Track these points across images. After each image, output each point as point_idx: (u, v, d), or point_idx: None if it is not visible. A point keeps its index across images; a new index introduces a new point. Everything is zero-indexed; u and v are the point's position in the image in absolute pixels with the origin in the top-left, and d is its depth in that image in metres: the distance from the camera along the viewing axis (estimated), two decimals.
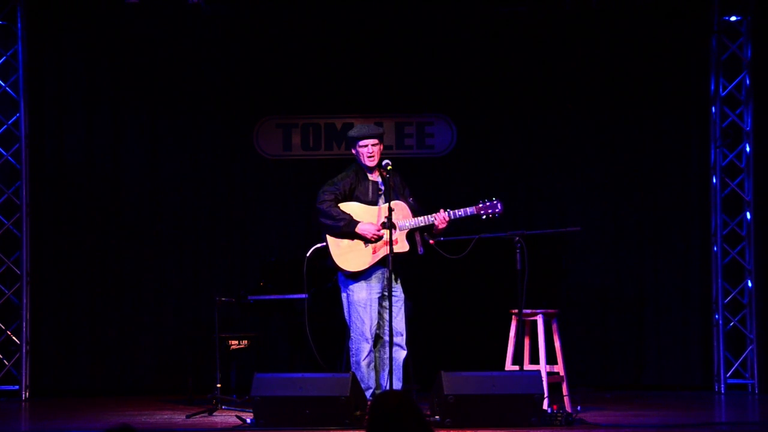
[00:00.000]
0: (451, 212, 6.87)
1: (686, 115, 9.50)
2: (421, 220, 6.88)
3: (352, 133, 7.04)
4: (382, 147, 7.00)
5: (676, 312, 9.44)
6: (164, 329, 9.41)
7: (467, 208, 6.91)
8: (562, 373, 7.54)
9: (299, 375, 6.66)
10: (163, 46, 9.51)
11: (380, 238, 6.84)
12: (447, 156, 9.59)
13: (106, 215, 9.44)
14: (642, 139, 9.51)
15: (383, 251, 6.81)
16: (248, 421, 6.66)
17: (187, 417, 7.32)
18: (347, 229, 6.84)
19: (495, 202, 6.91)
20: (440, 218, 6.85)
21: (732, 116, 9.26)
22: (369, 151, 6.93)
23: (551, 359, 7.52)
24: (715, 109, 9.27)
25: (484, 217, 6.91)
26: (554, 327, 7.59)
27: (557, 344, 7.59)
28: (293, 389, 6.48)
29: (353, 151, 7.02)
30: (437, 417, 6.43)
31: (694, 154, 9.47)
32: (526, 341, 7.61)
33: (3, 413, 8.22)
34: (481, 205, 6.92)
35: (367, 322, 6.87)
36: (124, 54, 9.48)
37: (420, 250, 6.97)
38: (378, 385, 6.95)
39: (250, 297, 8.17)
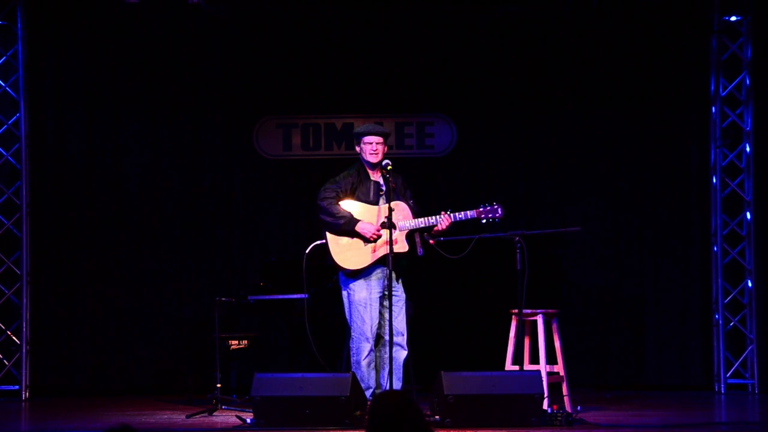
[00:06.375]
0: (452, 215, 6.88)
1: (686, 115, 9.50)
2: (422, 222, 6.89)
3: (358, 129, 7.09)
4: (386, 148, 7.02)
5: (676, 312, 9.44)
6: (164, 329, 9.41)
7: (468, 212, 6.93)
8: (562, 373, 7.54)
9: (299, 375, 6.66)
10: (163, 46, 9.51)
11: (379, 237, 6.85)
12: (447, 156, 9.59)
13: (106, 215, 9.44)
14: (642, 139, 9.51)
15: (383, 250, 6.81)
16: (248, 421, 6.66)
17: (187, 417, 7.33)
18: (347, 227, 6.85)
19: (496, 206, 6.93)
20: (443, 221, 6.85)
21: (732, 116, 9.26)
22: (373, 148, 6.95)
23: (551, 359, 7.52)
24: (715, 109, 9.27)
25: (484, 221, 6.94)
26: (554, 327, 7.59)
27: (557, 344, 7.59)
28: (293, 389, 6.48)
29: (357, 148, 7.05)
30: (437, 417, 6.44)
31: (694, 154, 9.46)
32: (526, 341, 7.61)
33: (3, 413, 8.22)
34: (481, 209, 6.94)
35: (368, 321, 6.87)
36: (124, 54, 9.48)
37: (419, 251, 6.97)
38: (378, 384, 6.95)
39: (250, 297, 8.17)
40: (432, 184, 9.45)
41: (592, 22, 9.38)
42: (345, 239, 6.89)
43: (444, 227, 6.88)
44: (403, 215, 6.91)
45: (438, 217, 6.87)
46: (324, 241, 6.96)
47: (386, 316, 6.87)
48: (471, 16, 9.40)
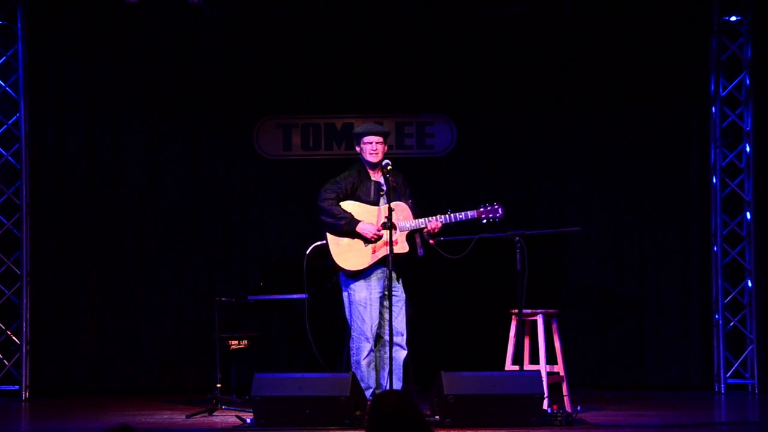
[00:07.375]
0: (452, 215, 6.88)
1: (686, 115, 9.50)
2: (422, 222, 6.89)
3: (357, 129, 7.10)
4: (386, 147, 7.02)
5: (676, 312, 9.44)
6: (164, 329, 9.41)
7: (468, 212, 6.92)
8: (562, 373, 7.54)
9: (299, 375, 6.66)
10: (163, 46, 9.51)
11: (380, 238, 6.85)
12: (447, 156, 9.59)
13: (106, 215, 9.44)
14: (642, 139, 9.51)
15: (383, 251, 6.81)
16: (248, 421, 6.66)
17: (187, 417, 7.33)
18: (348, 228, 6.86)
19: (496, 206, 6.93)
20: (431, 223, 6.85)
21: (732, 116, 9.26)
22: (373, 148, 6.96)
23: (551, 359, 7.53)
24: (715, 109, 9.27)
25: (484, 221, 6.94)
26: (554, 327, 7.59)
27: (557, 344, 7.59)
28: (293, 389, 6.48)
29: (357, 149, 7.05)
30: (437, 417, 6.44)
31: (694, 154, 9.47)
32: (526, 341, 7.61)
33: (3, 413, 8.22)
34: (482, 209, 6.94)
35: (368, 321, 6.88)
36: (124, 54, 9.48)
37: (420, 251, 6.97)
38: (378, 384, 6.95)
39: (250, 297, 8.17)
40: (432, 184, 9.45)
41: (591, 22, 9.38)
42: (345, 240, 6.90)
43: (433, 229, 6.86)
44: (404, 215, 6.91)
45: (432, 219, 6.87)
46: (324, 241, 6.96)
47: (386, 316, 6.87)
48: (471, 16, 9.39)
